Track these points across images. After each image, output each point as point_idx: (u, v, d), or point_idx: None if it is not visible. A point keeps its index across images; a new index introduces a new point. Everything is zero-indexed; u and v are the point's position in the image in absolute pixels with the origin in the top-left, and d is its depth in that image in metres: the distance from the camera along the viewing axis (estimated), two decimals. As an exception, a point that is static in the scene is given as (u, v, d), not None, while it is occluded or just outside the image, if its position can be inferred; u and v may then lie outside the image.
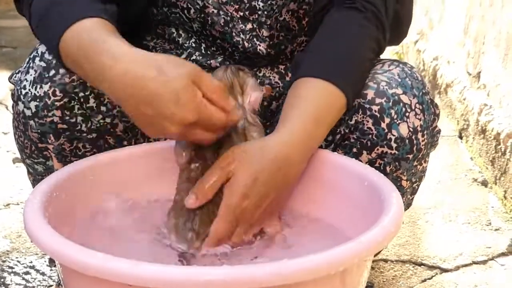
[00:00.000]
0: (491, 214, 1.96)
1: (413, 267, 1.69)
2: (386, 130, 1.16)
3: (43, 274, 1.62)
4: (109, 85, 1.01)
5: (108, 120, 1.20)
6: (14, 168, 2.20)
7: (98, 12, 1.07)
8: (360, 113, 1.16)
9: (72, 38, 1.05)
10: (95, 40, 1.02)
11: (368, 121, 1.16)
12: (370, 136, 1.17)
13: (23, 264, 1.66)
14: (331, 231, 1.13)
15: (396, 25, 1.24)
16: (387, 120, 1.15)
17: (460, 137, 2.51)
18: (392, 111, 1.15)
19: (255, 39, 1.32)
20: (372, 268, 1.66)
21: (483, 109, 2.25)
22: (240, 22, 1.31)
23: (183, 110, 0.97)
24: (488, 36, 2.30)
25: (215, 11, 1.30)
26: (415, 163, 1.21)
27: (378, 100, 1.15)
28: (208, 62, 1.36)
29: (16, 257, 1.69)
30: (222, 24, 1.30)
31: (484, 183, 2.15)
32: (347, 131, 1.19)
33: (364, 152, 1.18)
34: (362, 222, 1.02)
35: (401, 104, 1.16)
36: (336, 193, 1.14)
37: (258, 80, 1.38)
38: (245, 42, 1.32)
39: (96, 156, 1.17)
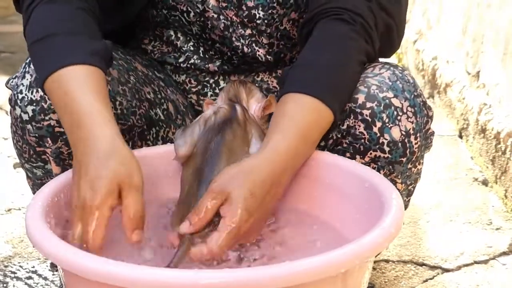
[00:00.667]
0: (492, 214, 1.96)
1: (414, 267, 1.69)
2: (378, 134, 1.15)
3: (45, 278, 1.62)
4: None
5: None
6: (15, 173, 2.20)
7: (87, 56, 1.08)
8: (352, 117, 1.16)
9: (52, 88, 1.07)
10: (70, 102, 1.04)
11: (360, 126, 1.15)
12: (363, 140, 1.16)
13: (25, 269, 1.66)
14: (332, 232, 1.13)
15: (387, 38, 1.22)
16: (378, 124, 1.15)
17: (460, 137, 2.51)
18: (384, 115, 1.14)
19: (254, 45, 1.32)
20: (374, 268, 1.66)
21: (482, 108, 2.26)
22: (240, 27, 1.31)
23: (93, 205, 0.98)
24: (487, 35, 2.30)
25: (215, 15, 1.30)
26: (409, 166, 1.21)
27: (369, 104, 1.15)
28: (206, 66, 1.36)
29: (19, 262, 1.69)
30: (222, 28, 1.30)
31: (485, 183, 2.16)
32: (339, 136, 1.19)
33: (357, 156, 1.18)
34: (362, 223, 1.02)
35: (393, 107, 1.15)
36: (337, 194, 1.14)
37: (257, 85, 1.38)
38: (244, 47, 1.32)
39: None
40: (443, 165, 2.26)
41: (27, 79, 1.18)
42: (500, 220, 1.92)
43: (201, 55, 1.36)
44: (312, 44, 1.16)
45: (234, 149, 1.12)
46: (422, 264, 1.70)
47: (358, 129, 1.16)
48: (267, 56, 1.33)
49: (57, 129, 1.18)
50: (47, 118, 1.17)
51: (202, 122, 1.16)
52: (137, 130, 1.26)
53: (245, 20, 1.30)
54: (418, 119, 1.17)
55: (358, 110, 1.15)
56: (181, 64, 1.38)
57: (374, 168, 1.18)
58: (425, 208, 1.96)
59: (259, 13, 1.28)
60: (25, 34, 1.17)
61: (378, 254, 1.50)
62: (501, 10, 2.17)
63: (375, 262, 1.67)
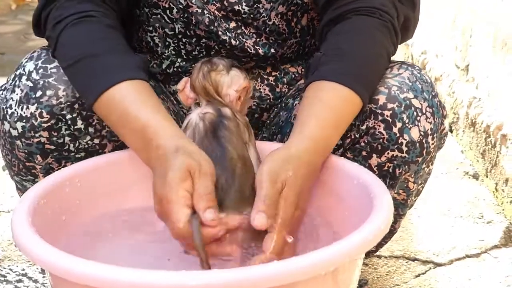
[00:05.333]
0: (483, 207, 1.96)
1: (406, 262, 1.69)
2: (398, 135, 1.15)
3: (35, 281, 1.61)
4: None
5: (96, 141, 1.18)
6: (3, 175, 2.18)
7: (132, 72, 1.10)
8: (372, 118, 1.16)
9: (106, 108, 1.08)
10: (130, 119, 1.06)
11: (379, 126, 1.15)
12: (381, 140, 1.16)
13: (15, 272, 1.65)
14: (322, 229, 1.12)
15: (403, 30, 1.24)
16: (399, 124, 1.15)
17: (450, 131, 2.51)
18: (404, 116, 1.15)
19: (241, 36, 1.30)
20: (366, 264, 1.66)
21: (472, 102, 2.26)
22: (223, 21, 1.29)
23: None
24: (476, 29, 2.30)
25: (199, 10, 1.27)
26: (423, 165, 1.21)
27: (390, 105, 1.15)
28: (194, 65, 1.34)
29: (8, 265, 1.68)
30: (207, 23, 1.28)
31: (475, 176, 2.16)
32: (357, 136, 1.18)
33: (374, 155, 1.18)
34: (352, 220, 1.02)
35: (413, 108, 1.15)
36: (327, 191, 1.14)
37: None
38: (232, 40, 1.30)
39: (82, 162, 1.16)
40: (434, 159, 2.26)
41: (17, 94, 1.16)
42: (492, 213, 1.92)
43: (184, 56, 1.34)
44: (344, 35, 1.17)
45: (235, 145, 1.09)
46: (414, 259, 1.70)
47: (378, 129, 1.16)
48: (256, 47, 1.32)
49: (47, 146, 1.17)
50: (37, 135, 1.15)
51: (191, 132, 1.12)
52: None
53: (230, 14, 1.28)
54: (435, 120, 1.18)
55: (379, 111, 1.15)
56: (167, 70, 1.36)
57: (389, 167, 1.18)
58: (416, 202, 1.95)
59: (243, 8, 1.27)
60: (56, 56, 1.16)
61: (375, 252, 1.50)
62: (490, 3, 2.17)
63: (367, 257, 1.67)
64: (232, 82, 1.17)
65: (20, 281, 1.61)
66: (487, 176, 2.09)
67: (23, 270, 1.66)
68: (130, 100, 1.06)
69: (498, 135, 2.01)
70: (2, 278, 1.62)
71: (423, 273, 1.64)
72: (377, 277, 1.62)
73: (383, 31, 1.18)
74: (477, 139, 2.19)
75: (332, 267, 0.88)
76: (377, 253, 1.70)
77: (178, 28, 1.30)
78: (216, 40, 1.30)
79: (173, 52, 1.34)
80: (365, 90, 1.11)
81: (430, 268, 1.66)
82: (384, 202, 0.99)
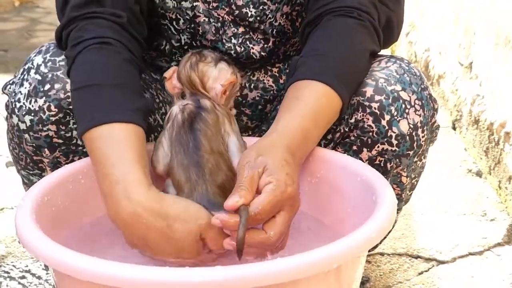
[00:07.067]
0: (486, 205, 1.96)
1: (409, 259, 1.69)
2: (387, 127, 1.15)
3: (39, 278, 1.61)
4: (114, 213, 1.01)
5: None
6: (7, 172, 2.19)
7: (129, 114, 1.06)
8: (360, 111, 1.15)
9: (91, 143, 1.05)
10: (107, 166, 1.02)
11: (368, 119, 1.15)
12: (371, 133, 1.16)
13: (18, 268, 1.66)
14: (324, 227, 1.13)
15: (387, 29, 1.23)
16: (387, 117, 1.15)
17: (454, 128, 2.51)
18: (392, 108, 1.14)
19: (248, 42, 1.31)
20: (369, 262, 1.66)
21: (475, 99, 2.26)
22: (232, 26, 1.29)
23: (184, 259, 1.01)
24: (479, 26, 2.30)
25: (206, 19, 1.28)
26: (415, 159, 1.21)
27: (377, 98, 1.15)
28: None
29: (12, 262, 1.69)
30: (214, 32, 1.29)
31: (479, 174, 2.16)
32: (347, 129, 1.18)
33: (365, 149, 1.18)
34: (355, 218, 1.02)
35: (401, 100, 1.15)
36: (329, 189, 1.14)
37: (252, 84, 1.36)
38: (237, 47, 1.30)
39: (86, 160, 1.16)
40: (437, 156, 2.26)
41: (25, 88, 1.16)
42: (495, 211, 1.92)
43: None
44: (323, 35, 1.17)
45: (210, 138, 1.10)
46: (417, 257, 1.70)
47: (367, 122, 1.16)
48: (262, 53, 1.32)
49: (55, 139, 1.17)
50: (45, 129, 1.15)
51: (170, 125, 1.12)
52: None
53: (237, 19, 1.28)
54: (425, 112, 1.18)
55: (367, 104, 1.15)
56: None
57: (380, 161, 1.18)
58: (420, 200, 1.96)
59: (250, 11, 1.27)
60: (69, 75, 1.14)
61: (374, 248, 1.50)
62: (492, 0, 2.16)
63: (369, 255, 1.67)
64: (219, 76, 1.16)
65: (23, 277, 1.62)
66: (490, 174, 2.09)
67: (27, 266, 1.66)
68: (112, 147, 1.03)
69: (501, 133, 2.01)
70: (6, 275, 1.63)
71: (426, 271, 1.64)
72: (380, 275, 1.62)
73: (362, 30, 1.17)
74: (481, 136, 2.19)
75: (335, 264, 0.88)
76: (380, 250, 1.71)
77: (184, 39, 1.31)
78: (222, 49, 1.30)
79: (179, 59, 1.33)
80: (343, 86, 1.10)
81: (433, 266, 1.66)
82: (387, 199, 0.99)
